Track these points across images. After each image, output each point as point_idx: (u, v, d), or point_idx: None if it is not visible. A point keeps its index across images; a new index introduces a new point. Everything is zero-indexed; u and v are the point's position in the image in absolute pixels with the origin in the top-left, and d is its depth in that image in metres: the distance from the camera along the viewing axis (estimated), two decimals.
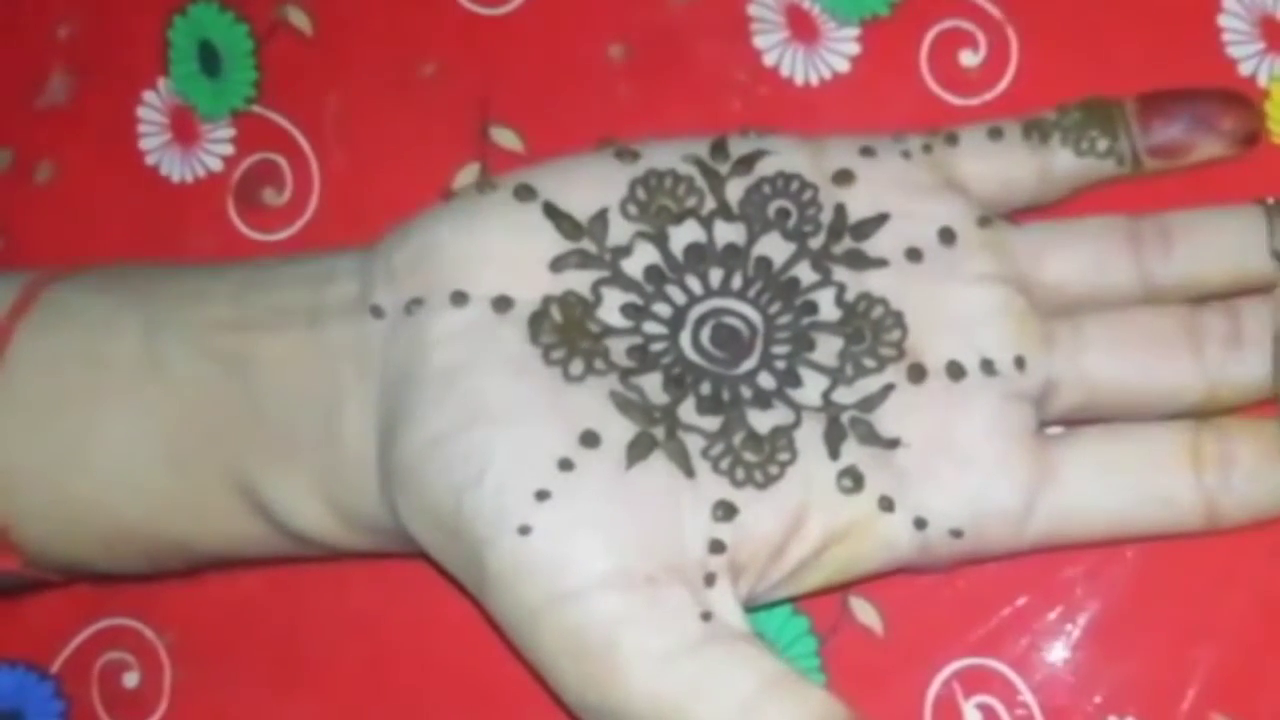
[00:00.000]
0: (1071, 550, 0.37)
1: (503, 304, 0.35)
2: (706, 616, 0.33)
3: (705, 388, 0.35)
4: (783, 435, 0.34)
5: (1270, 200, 0.37)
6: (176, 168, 0.44)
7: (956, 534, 0.35)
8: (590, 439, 0.33)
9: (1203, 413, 0.36)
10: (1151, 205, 0.38)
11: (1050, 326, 0.36)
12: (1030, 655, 0.38)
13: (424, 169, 0.42)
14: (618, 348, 0.35)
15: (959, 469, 0.35)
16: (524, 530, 0.32)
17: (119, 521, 0.37)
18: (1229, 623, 0.37)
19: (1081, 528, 0.36)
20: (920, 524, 0.34)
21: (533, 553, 0.32)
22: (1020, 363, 0.35)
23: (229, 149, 0.44)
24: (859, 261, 0.36)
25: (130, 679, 0.42)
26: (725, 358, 0.35)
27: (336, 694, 0.40)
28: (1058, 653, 0.37)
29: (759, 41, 0.41)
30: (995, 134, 0.38)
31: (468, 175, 0.42)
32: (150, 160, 0.44)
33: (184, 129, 0.44)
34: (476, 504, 0.33)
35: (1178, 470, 0.35)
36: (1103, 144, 0.38)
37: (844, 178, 0.37)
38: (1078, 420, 0.37)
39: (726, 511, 0.33)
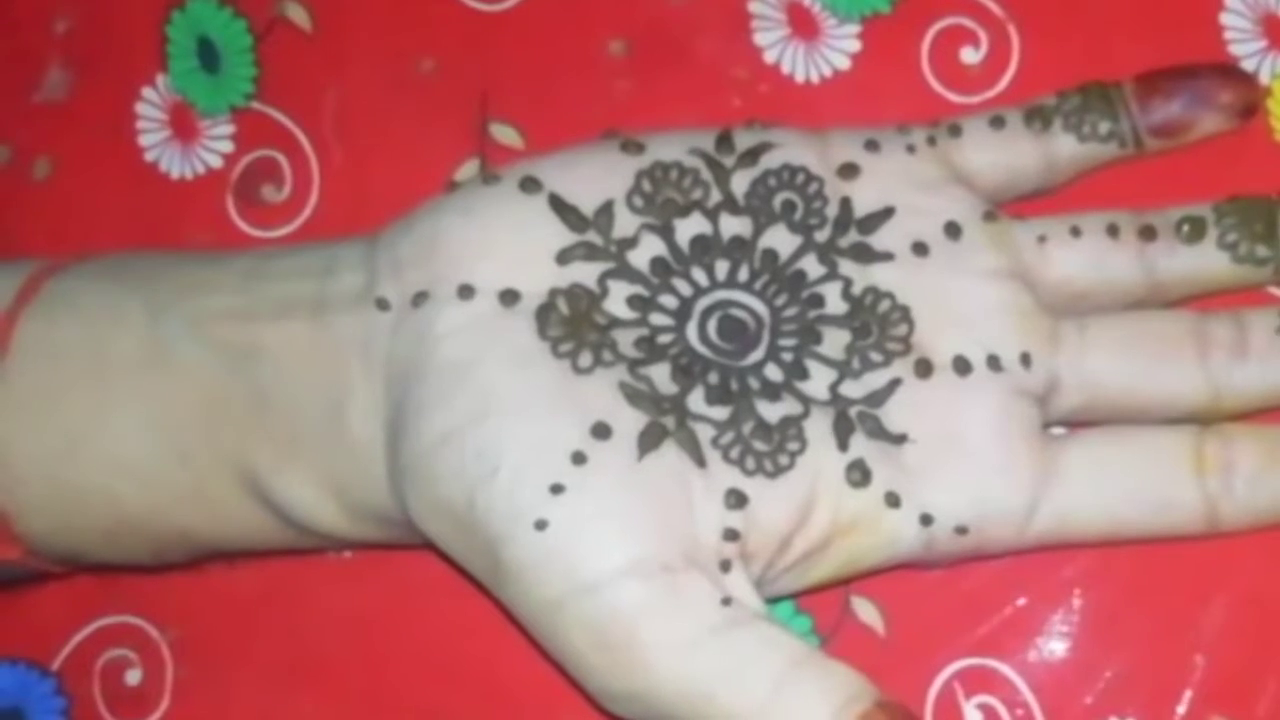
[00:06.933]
0: (1072, 550, 0.37)
1: (509, 297, 0.35)
2: (726, 601, 0.32)
3: (713, 378, 0.34)
4: (792, 425, 0.34)
5: (1274, 197, 0.37)
6: (176, 164, 0.44)
7: (961, 531, 0.35)
8: (602, 430, 0.33)
9: (1205, 419, 0.36)
10: (1153, 201, 0.38)
11: (1056, 325, 0.36)
12: (1031, 655, 0.38)
13: (424, 165, 0.42)
14: (625, 339, 0.35)
15: (965, 466, 0.35)
16: (540, 525, 0.32)
17: (121, 511, 0.36)
18: (1228, 624, 0.37)
19: (1083, 528, 0.36)
20: (926, 520, 0.34)
21: (550, 547, 0.32)
22: (1026, 360, 0.35)
23: (228, 145, 0.44)
24: (865, 255, 0.36)
25: (132, 676, 0.41)
26: (732, 349, 0.35)
27: (339, 691, 0.40)
28: (1058, 653, 0.37)
29: (759, 38, 0.41)
30: (997, 123, 0.38)
31: (468, 171, 0.42)
32: (149, 156, 0.44)
33: (183, 125, 0.44)
34: (490, 500, 0.33)
35: (1180, 474, 0.35)
36: (1104, 127, 0.38)
37: (849, 171, 0.37)
38: (1080, 422, 0.37)
39: (738, 499, 0.33)
